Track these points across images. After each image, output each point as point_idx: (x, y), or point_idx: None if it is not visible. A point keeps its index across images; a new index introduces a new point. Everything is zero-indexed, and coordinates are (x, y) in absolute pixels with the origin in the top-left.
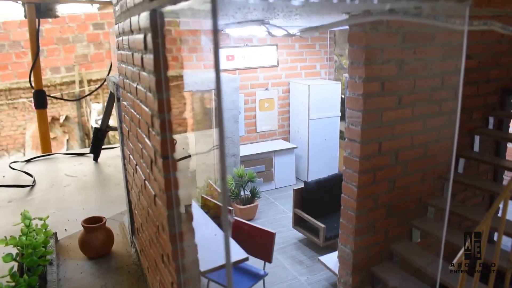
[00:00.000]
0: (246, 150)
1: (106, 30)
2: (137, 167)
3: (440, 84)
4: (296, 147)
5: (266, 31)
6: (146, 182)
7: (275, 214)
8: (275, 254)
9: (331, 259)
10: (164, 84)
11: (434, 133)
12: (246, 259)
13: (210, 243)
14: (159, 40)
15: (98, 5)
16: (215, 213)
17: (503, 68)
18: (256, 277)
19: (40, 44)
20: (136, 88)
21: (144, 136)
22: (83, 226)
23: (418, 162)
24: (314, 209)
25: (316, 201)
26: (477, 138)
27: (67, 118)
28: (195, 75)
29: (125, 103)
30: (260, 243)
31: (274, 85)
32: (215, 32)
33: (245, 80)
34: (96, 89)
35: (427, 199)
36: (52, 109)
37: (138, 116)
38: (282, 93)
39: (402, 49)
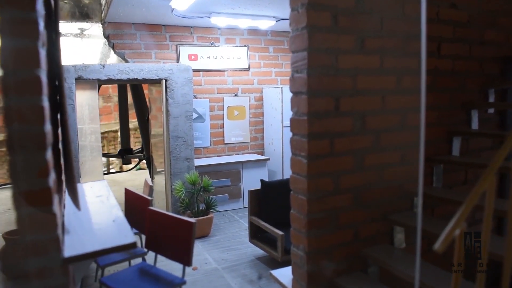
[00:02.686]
0: (208, 160)
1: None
2: None
3: (418, 33)
4: (268, 159)
5: None
6: None
7: (236, 231)
8: (222, 273)
9: (287, 274)
10: None
11: (414, 97)
12: (133, 245)
13: (104, 228)
14: None
15: None
16: (131, 204)
17: (501, 31)
18: (169, 285)
19: None
20: None
21: None
22: (3, 237)
23: (395, 134)
24: (275, 217)
25: (277, 206)
26: (474, 114)
27: None
28: (142, 65)
29: None
30: (177, 238)
31: (245, 91)
32: None
33: (210, 83)
34: None
35: (411, 187)
36: None
37: None
38: (254, 100)
39: None
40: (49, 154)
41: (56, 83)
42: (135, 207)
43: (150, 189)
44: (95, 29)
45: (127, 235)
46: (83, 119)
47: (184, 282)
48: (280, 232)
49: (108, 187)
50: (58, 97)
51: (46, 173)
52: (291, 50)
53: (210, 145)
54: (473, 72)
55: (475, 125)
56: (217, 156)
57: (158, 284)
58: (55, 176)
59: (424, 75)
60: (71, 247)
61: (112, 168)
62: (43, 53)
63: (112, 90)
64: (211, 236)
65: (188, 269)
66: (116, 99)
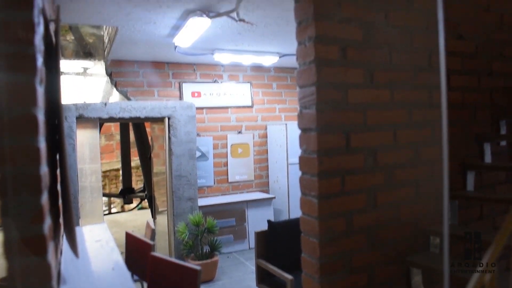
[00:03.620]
0: (212, 199)
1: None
2: None
3: (427, 65)
4: (274, 197)
5: (207, 18)
6: None
7: (242, 274)
8: None
9: None
10: None
11: (426, 130)
12: None
13: (103, 276)
14: None
15: None
16: (132, 249)
17: (509, 62)
18: None
19: None
20: None
21: None
22: None
23: (408, 169)
24: (283, 259)
25: (285, 248)
26: (487, 146)
27: None
28: (144, 103)
29: None
30: (181, 287)
31: (249, 128)
32: None
33: (214, 120)
34: None
35: (427, 224)
36: None
37: None
38: (258, 137)
39: (367, 8)
40: (44, 199)
41: (56, 121)
42: (136, 251)
43: (152, 233)
44: (98, 67)
45: (126, 285)
46: (84, 158)
47: None
48: (290, 276)
49: (108, 231)
50: (57, 136)
51: (41, 219)
52: (298, 85)
53: (214, 184)
54: (483, 104)
55: (488, 158)
56: (221, 195)
57: None
58: (51, 221)
59: (445, 106)
60: None
61: (113, 207)
62: (40, 90)
63: (114, 128)
64: (216, 280)
65: None
66: (118, 137)
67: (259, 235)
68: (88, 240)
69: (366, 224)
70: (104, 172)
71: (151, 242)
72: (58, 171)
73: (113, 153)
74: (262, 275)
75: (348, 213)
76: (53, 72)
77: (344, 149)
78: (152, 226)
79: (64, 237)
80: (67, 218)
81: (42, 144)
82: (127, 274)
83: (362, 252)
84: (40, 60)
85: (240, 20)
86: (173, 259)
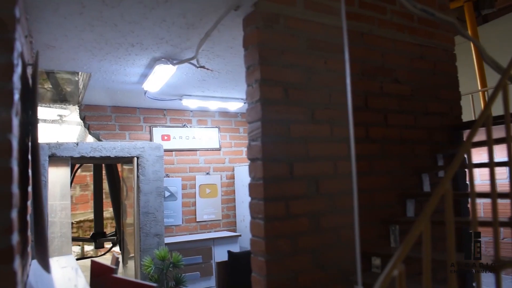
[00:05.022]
0: (179, 237)
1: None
2: None
3: (364, 105)
4: (239, 235)
5: (171, 65)
6: None
7: None
8: None
9: None
10: None
11: (365, 163)
12: None
13: None
14: None
15: None
16: (96, 273)
17: (444, 103)
18: None
19: None
20: None
21: None
22: None
23: (349, 197)
24: None
25: (245, 278)
26: (425, 177)
27: None
28: (115, 143)
29: None
30: None
31: (217, 169)
32: None
33: (183, 162)
34: None
35: (368, 248)
36: None
37: None
38: (226, 179)
39: (308, 55)
40: (14, 214)
41: (30, 157)
42: (100, 275)
43: (116, 261)
44: (73, 115)
45: None
46: (55, 195)
47: None
48: None
49: (74, 260)
50: (30, 170)
51: (10, 231)
52: (247, 121)
53: (182, 223)
54: (421, 140)
55: (427, 187)
56: (189, 234)
57: None
58: (19, 238)
59: (353, 140)
60: None
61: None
62: (15, 121)
63: (89, 179)
64: None
65: None
66: (93, 187)
67: (220, 266)
68: (54, 267)
69: (310, 245)
70: (77, 222)
71: (113, 266)
72: (28, 203)
73: (87, 204)
74: None
75: (293, 235)
76: (30, 111)
77: (288, 177)
78: (116, 255)
79: (32, 266)
80: (39, 232)
81: (15, 167)
82: None
83: (307, 272)
84: (16, 96)
85: (200, 66)
86: (132, 279)
